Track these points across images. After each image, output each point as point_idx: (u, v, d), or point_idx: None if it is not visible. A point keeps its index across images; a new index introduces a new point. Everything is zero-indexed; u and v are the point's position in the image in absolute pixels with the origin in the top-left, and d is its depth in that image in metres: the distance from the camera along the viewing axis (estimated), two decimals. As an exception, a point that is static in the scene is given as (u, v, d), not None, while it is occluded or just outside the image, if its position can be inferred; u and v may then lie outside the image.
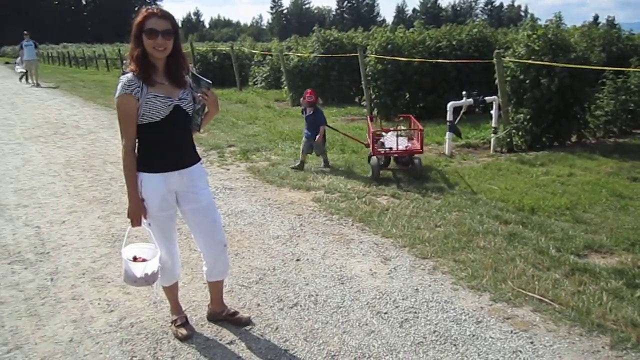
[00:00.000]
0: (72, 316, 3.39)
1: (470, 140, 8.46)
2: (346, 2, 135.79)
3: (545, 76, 7.57)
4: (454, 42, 11.00)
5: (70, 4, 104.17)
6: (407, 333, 3.11)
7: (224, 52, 17.88)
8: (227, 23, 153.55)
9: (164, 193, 2.89)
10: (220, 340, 3.10)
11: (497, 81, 7.79)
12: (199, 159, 3.05)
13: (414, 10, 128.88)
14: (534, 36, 7.82)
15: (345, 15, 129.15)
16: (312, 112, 6.61)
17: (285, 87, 13.66)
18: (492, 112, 7.94)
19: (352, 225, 4.82)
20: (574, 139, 8.18)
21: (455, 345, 2.98)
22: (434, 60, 10.05)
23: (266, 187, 6.06)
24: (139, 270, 2.94)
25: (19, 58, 20.69)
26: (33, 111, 12.67)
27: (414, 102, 10.57)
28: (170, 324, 3.22)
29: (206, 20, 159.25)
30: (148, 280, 2.97)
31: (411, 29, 11.30)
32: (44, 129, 10.28)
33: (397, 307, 3.40)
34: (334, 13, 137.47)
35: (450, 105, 7.63)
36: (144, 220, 2.93)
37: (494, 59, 7.68)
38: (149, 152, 2.84)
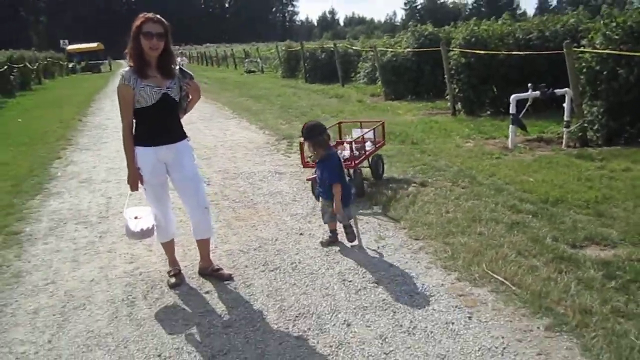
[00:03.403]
0: (101, 264, 4.17)
1: (546, 134, 8.18)
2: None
3: (624, 66, 7.12)
4: (547, 34, 10.54)
5: (214, 6, 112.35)
6: (358, 299, 3.42)
7: (331, 49, 18.54)
8: (361, 20, 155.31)
9: (155, 163, 3.50)
10: (200, 289, 3.66)
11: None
12: (186, 137, 3.65)
13: (560, 0, 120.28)
14: (613, 24, 7.37)
15: (483, 9, 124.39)
16: (323, 157, 4.15)
17: (379, 82, 13.94)
18: (565, 105, 7.64)
19: (369, 208, 5.13)
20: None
21: (394, 312, 3.24)
22: (512, 53, 9.74)
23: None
24: (137, 226, 3.60)
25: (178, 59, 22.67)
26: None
27: (500, 96, 10.33)
28: (166, 274, 3.85)
29: (341, 18, 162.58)
30: (144, 234, 3.62)
31: (500, 21, 11.00)
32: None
33: (363, 277, 3.71)
34: (470, 7, 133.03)
35: (513, 97, 7.49)
36: (140, 186, 3.57)
37: (564, 50, 7.38)
38: (143, 130, 3.48)
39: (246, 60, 30.30)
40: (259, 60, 29.03)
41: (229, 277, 3.76)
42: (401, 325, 3.09)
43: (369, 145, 5.82)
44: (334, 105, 12.48)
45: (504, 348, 2.83)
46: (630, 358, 2.69)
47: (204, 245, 3.83)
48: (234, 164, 7.22)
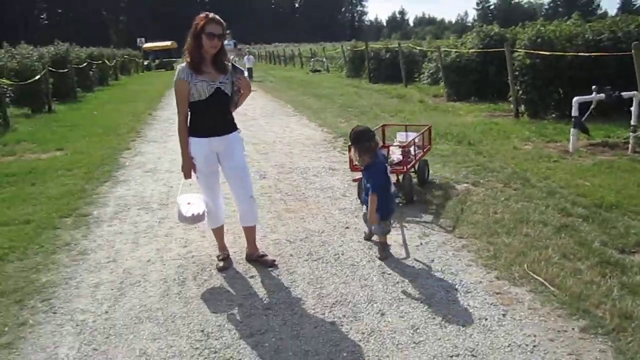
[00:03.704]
0: (158, 246, 4.47)
1: (611, 138, 7.89)
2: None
3: (698, 70, 6.77)
4: (619, 34, 10.11)
5: (284, 6, 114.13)
6: (395, 290, 3.51)
7: (396, 49, 18.50)
8: (431, 21, 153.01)
9: (207, 153, 3.73)
10: (245, 274, 3.87)
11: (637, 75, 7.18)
12: (236, 129, 3.85)
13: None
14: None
15: (560, 9, 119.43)
16: (369, 164, 3.99)
17: (442, 83, 13.81)
18: (632, 109, 7.34)
19: (421, 207, 5.17)
20: None
21: (429, 304, 3.31)
22: (579, 54, 9.40)
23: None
24: (188, 211, 3.85)
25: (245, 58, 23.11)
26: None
27: (566, 99, 10.00)
28: (216, 258, 4.08)
29: (411, 18, 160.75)
30: (195, 219, 3.87)
31: (569, 22, 10.65)
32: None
33: (403, 271, 3.79)
34: (546, 7, 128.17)
35: (575, 100, 7.28)
36: (193, 174, 3.81)
37: (633, 51, 7.10)
38: (197, 122, 3.71)
39: (312, 59, 30.67)
40: (324, 59, 29.33)
41: (273, 264, 3.95)
42: (434, 318, 3.16)
43: (413, 150, 5.63)
44: (394, 105, 12.49)
45: (535, 346, 2.85)
46: (666, 364, 2.64)
47: (250, 232, 4.04)
48: (290, 159, 7.43)
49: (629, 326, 2.96)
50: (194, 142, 3.72)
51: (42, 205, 5.70)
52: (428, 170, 5.94)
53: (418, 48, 17.80)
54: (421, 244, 4.26)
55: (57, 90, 15.24)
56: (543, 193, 5.22)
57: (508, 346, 2.86)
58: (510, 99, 10.77)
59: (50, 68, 14.66)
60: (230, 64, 3.75)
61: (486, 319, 3.13)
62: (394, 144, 5.79)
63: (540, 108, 10.24)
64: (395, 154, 5.40)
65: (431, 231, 4.51)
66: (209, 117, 3.69)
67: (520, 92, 10.49)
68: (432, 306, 3.30)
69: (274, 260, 3.98)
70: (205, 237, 4.60)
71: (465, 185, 5.71)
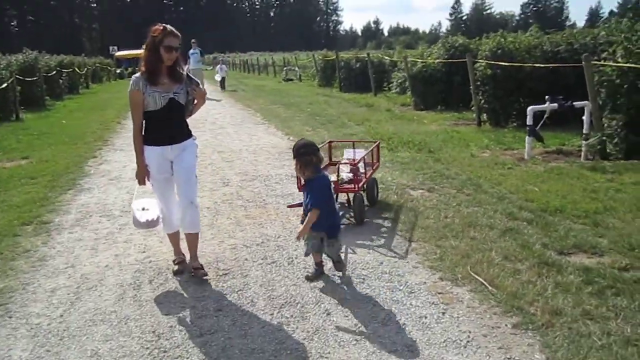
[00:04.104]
0: (117, 252, 4.55)
1: (566, 146, 8.21)
2: (531, 6, 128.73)
3: (645, 81, 7.12)
4: (576, 46, 10.52)
5: (259, 15, 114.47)
6: (342, 292, 3.66)
7: (366, 59, 18.80)
8: (406, 31, 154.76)
9: (160, 161, 3.85)
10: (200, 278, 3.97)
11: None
12: (191, 136, 3.96)
13: (611, 12, 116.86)
14: (634, 37, 7.38)
15: (530, 21, 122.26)
16: (309, 179, 3.77)
17: (409, 92, 14.12)
18: (584, 117, 7.68)
19: (373, 211, 5.35)
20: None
21: (373, 304, 3.47)
22: (535, 65, 9.75)
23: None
24: (142, 216, 3.95)
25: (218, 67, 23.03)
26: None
27: (527, 109, 10.34)
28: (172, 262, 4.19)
29: (385, 28, 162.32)
30: (149, 225, 3.98)
31: (527, 34, 11.04)
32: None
33: (352, 273, 3.94)
34: (517, 18, 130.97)
35: (530, 109, 7.60)
36: (147, 181, 3.91)
37: (583, 63, 7.44)
38: (151, 130, 3.82)
39: (285, 68, 30.87)
40: (297, 68, 29.55)
41: (202, 279, 3.89)
42: (376, 317, 3.32)
43: (361, 167, 5.29)
44: (362, 114, 12.72)
45: (468, 342, 3.02)
46: (587, 356, 2.83)
47: (190, 240, 4.02)
48: (254, 167, 7.56)
49: (557, 322, 3.16)
50: (148, 150, 3.82)
51: (3, 213, 5.72)
52: (377, 189, 5.62)
53: (387, 58, 18.11)
54: (371, 247, 4.42)
55: (25, 98, 15.11)
56: (493, 198, 5.46)
57: (443, 342, 3.03)
58: (473, 108, 11.08)
59: (18, 76, 14.54)
60: (185, 74, 3.87)
61: (426, 317, 3.30)
62: (343, 161, 5.49)
63: (502, 117, 10.58)
64: (345, 172, 5.19)
65: (383, 235, 4.68)
66: (163, 127, 3.78)
67: (482, 101, 10.83)
68: (376, 306, 3.46)
69: (205, 276, 3.93)
70: (163, 242, 4.69)
71: (420, 191, 5.92)
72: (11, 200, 6.18)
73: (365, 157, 5.42)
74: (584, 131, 7.67)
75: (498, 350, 2.94)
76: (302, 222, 3.82)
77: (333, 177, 4.83)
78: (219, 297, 3.66)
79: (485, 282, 3.69)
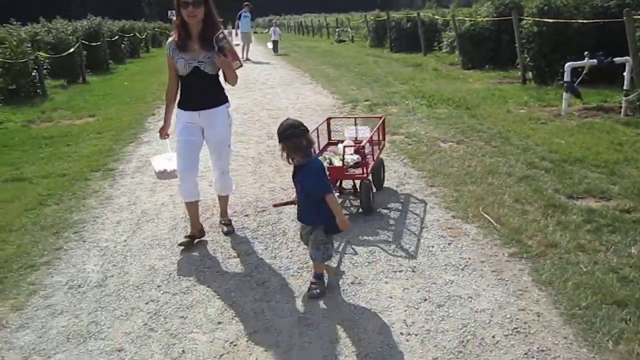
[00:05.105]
0: (171, 193, 5.15)
1: (608, 103, 8.24)
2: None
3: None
4: (628, 1, 10.26)
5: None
6: (362, 224, 4.15)
7: (417, 19, 18.71)
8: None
9: (187, 124, 3.84)
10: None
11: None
12: (221, 104, 3.89)
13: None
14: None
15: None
16: (300, 165, 3.18)
17: (457, 52, 14.13)
18: (625, 74, 7.68)
19: (402, 159, 5.77)
20: None
21: (387, 237, 3.95)
22: (579, 21, 9.62)
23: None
24: (159, 166, 4.18)
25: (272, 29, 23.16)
26: (240, 71, 15.57)
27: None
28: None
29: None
30: (164, 175, 4.15)
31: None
32: (239, 84, 12.81)
33: (377, 211, 4.42)
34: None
35: (567, 66, 7.68)
36: (166, 137, 4.16)
37: (624, 18, 7.41)
38: (182, 95, 3.88)
39: (337, 29, 30.91)
40: (349, 29, 29.53)
41: (226, 233, 4.15)
42: (389, 246, 3.80)
43: (368, 148, 4.60)
44: (408, 74, 12.92)
45: (466, 265, 3.46)
46: (569, 279, 3.21)
47: (221, 200, 4.29)
48: (298, 123, 8.05)
49: (550, 252, 3.54)
50: (179, 112, 3.89)
51: (75, 162, 6.51)
52: (384, 171, 5.02)
53: (437, 17, 17.98)
54: (395, 191, 4.87)
55: (90, 62, 16.13)
56: (518, 150, 5.75)
57: (444, 265, 3.48)
58: (519, 66, 11.08)
59: (83, 41, 15.52)
60: (217, 45, 3.69)
61: (432, 247, 3.75)
62: (345, 141, 4.90)
63: (547, 75, 10.54)
64: (349, 154, 4.53)
65: (408, 181, 5.11)
66: (190, 93, 3.82)
67: (528, 59, 10.80)
68: (390, 237, 3.94)
69: (229, 233, 4.14)
70: (212, 185, 5.30)
71: (450, 143, 6.26)
72: (82, 152, 6.98)
73: (365, 135, 4.84)
74: (625, 87, 7.68)
75: (491, 273, 3.36)
76: (299, 219, 3.36)
77: (336, 161, 4.50)
78: (255, 228, 4.24)
79: (492, 220, 4.08)
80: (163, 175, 4.16)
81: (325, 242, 3.18)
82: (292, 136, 3.09)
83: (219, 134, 3.90)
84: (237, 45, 21.25)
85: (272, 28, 23.72)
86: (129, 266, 3.75)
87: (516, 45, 11.44)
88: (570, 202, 4.35)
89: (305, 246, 3.48)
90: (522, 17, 10.75)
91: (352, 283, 3.34)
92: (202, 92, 3.82)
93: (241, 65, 3.96)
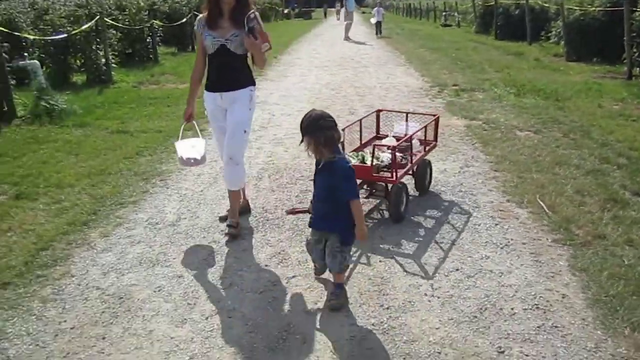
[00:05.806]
0: (249, 155, 5.61)
1: None
2: None
3: None
4: None
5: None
6: (420, 202, 4.36)
7: (525, 5, 17.96)
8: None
9: (214, 108, 3.76)
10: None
11: None
12: (245, 86, 3.71)
13: None
14: None
15: None
16: (327, 162, 2.84)
17: (562, 42, 13.50)
18: None
19: (473, 143, 5.84)
20: None
21: (438, 210, 4.15)
22: None
23: (444, 115, 7.28)
24: (183, 152, 3.96)
25: (374, 9, 23.24)
26: (337, 49, 15.90)
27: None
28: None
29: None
30: (188, 162, 3.98)
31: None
32: (334, 61, 13.17)
33: (433, 189, 4.59)
34: None
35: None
36: (191, 121, 3.96)
37: None
38: (208, 75, 3.75)
39: (444, 13, 30.25)
40: (456, 14, 28.80)
41: (230, 236, 3.76)
42: (439, 220, 3.99)
43: (416, 147, 4.31)
44: (505, 62, 12.58)
45: (507, 244, 3.59)
46: (606, 268, 3.25)
47: (229, 195, 3.89)
48: (382, 102, 8.26)
49: (596, 243, 3.57)
50: (206, 95, 3.78)
51: (172, 121, 7.20)
52: (431, 174, 4.62)
53: (545, 5, 17.13)
54: (458, 172, 5.00)
55: (200, 32, 17.16)
56: (595, 144, 5.61)
57: (485, 242, 3.63)
58: (625, 61, 10.45)
59: (195, 12, 16.54)
60: (247, 25, 3.50)
61: (479, 225, 3.90)
62: (385, 140, 4.51)
63: (660, 72, 9.89)
64: (386, 154, 4.09)
65: (474, 163, 5.20)
66: (215, 72, 3.68)
67: (637, 53, 10.17)
68: (441, 212, 4.13)
69: (232, 238, 3.75)
70: (287, 151, 5.72)
71: (526, 132, 6.21)
72: (179, 112, 7.61)
73: (414, 134, 4.33)
74: None
75: (529, 254, 3.47)
76: (311, 225, 3.06)
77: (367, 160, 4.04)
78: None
79: (545, 207, 4.13)
80: (187, 162, 4.00)
81: (342, 250, 2.90)
82: (324, 128, 2.75)
83: (236, 115, 3.67)
84: (348, 23, 21.58)
85: (375, 9, 23.69)
86: (200, 212, 4.25)
87: (624, 38, 10.81)
88: (634, 198, 4.27)
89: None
90: (635, 9, 10.10)
91: (390, 249, 3.59)
92: (226, 72, 3.64)
93: (270, 48, 3.71)
